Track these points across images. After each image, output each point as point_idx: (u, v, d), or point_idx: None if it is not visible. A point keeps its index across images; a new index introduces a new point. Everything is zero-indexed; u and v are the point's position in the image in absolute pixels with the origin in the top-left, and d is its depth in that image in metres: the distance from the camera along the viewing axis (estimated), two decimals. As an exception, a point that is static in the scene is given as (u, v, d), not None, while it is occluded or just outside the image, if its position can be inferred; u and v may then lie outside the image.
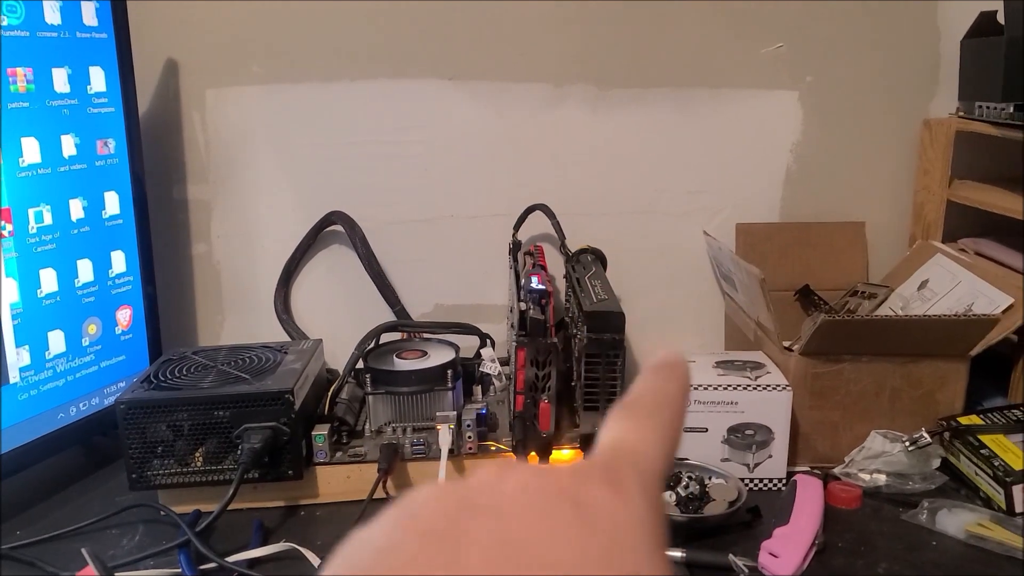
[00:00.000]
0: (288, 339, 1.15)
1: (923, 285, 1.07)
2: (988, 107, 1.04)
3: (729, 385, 0.91)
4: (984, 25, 1.07)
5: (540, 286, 0.93)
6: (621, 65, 1.15)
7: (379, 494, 0.86)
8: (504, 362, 1.03)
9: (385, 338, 1.05)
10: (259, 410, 0.86)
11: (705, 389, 0.91)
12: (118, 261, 1.03)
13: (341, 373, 1.00)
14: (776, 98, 1.17)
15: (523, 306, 0.91)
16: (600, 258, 1.11)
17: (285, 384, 0.87)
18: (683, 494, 0.85)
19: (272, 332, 1.18)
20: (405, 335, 1.08)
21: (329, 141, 1.16)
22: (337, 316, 1.20)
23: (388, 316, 1.17)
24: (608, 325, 0.88)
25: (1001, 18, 1.03)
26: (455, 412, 0.91)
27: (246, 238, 1.19)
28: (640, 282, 1.21)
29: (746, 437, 0.91)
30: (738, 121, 1.17)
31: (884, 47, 1.15)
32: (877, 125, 1.18)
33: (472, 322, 1.11)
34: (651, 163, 1.18)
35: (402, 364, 0.96)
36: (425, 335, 1.08)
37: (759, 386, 0.91)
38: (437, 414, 0.91)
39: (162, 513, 0.88)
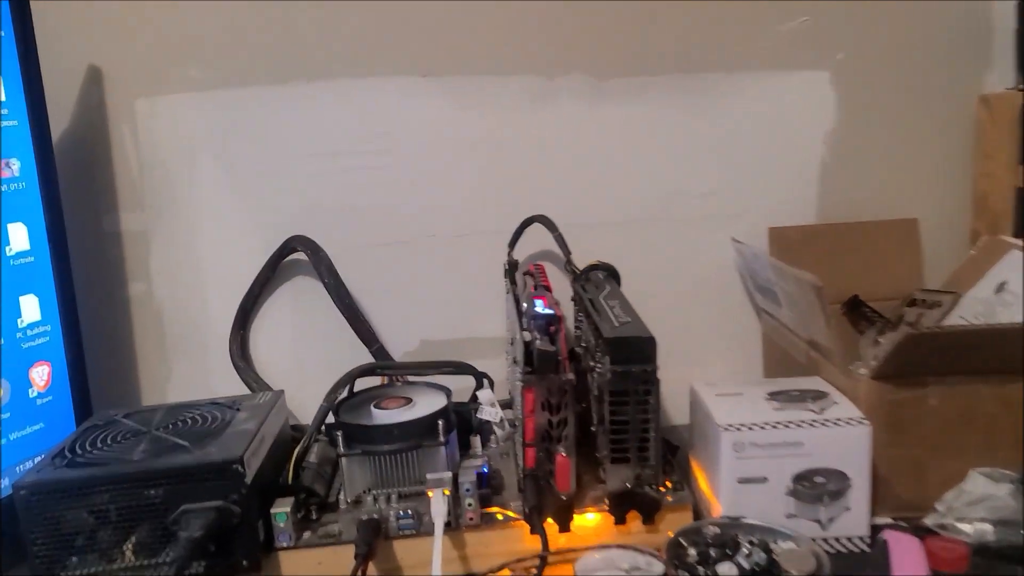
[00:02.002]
0: (247, 391, 1.02)
1: (1001, 288, 0.91)
2: (1059, 74, 0.90)
3: (790, 422, 0.75)
4: (1045, -18, 0.94)
5: (547, 310, 0.81)
6: (621, 50, 1.06)
7: (358, 586, 0.69)
8: (505, 404, 0.91)
9: (363, 384, 0.93)
10: (200, 486, 0.72)
11: (762, 428, 0.74)
12: (29, 308, 0.88)
13: (308, 431, 0.85)
14: (803, 80, 1.07)
15: (527, 336, 0.78)
16: (613, 274, 0.98)
17: (232, 452, 0.73)
18: (747, 566, 0.67)
19: (229, 384, 1.06)
20: (385, 380, 0.97)
21: (284, 154, 1.07)
22: (305, 361, 1.10)
23: (365, 358, 1.04)
24: (636, 354, 0.74)
25: (1066, -30, 0.89)
26: (450, 473, 0.77)
27: (192, 274, 1.09)
28: (656, 301, 1.05)
29: (816, 486, 0.75)
30: (760, 109, 1.08)
31: (926, 15, 1.06)
32: (924, 106, 1.08)
33: (465, 359, 0.99)
34: (661, 162, 1.09)
35: (382, 416, 0.83)
36: (409, 378, 0.96)
37: (827, 421, 0.75)
38: (428, 477, 0.77)
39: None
